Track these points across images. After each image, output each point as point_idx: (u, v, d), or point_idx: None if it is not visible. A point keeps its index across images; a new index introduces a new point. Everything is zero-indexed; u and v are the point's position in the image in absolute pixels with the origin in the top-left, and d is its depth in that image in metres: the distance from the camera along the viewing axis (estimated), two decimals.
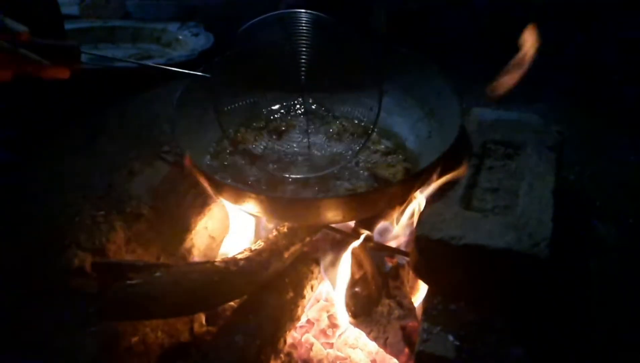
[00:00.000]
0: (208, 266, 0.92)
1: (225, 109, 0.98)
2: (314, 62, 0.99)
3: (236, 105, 1.05)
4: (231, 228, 1.19)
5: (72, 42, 0.81)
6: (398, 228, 1.08)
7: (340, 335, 1.07)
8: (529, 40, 0.97)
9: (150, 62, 0.93)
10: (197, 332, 1.04)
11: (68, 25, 1.71)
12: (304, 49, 0.98)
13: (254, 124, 1.17)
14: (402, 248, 1.06)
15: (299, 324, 1.04)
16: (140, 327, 0.93)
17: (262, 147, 1.08)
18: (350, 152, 1.03)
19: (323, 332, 1.08)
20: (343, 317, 1.04)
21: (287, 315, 0.97)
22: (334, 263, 1.04)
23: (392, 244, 1.08)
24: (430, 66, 1.11)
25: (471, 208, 0.86)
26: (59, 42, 0.79)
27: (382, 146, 1.11)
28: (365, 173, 1.03)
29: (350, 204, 0.88)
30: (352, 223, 1.08)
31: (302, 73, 1.01)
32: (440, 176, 0.93)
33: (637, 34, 1.75)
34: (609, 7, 1.82)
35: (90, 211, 1.01)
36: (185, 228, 1.11)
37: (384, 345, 0.95)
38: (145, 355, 0.93)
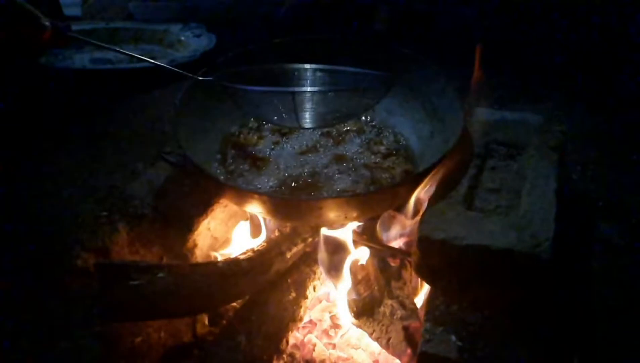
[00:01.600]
0: (211, 267, 0.92)
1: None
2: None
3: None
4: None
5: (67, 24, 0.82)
6: (400, 228, 1.08)
7: (342, 336, 1.08)
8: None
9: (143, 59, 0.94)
10: (200, 333, 1.04)
11: None
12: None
13: (252, 123, 1.17)
14: (405, 249, 1.06)
15: (301, 324, 1.04)
16: (143, 328, 0.93)
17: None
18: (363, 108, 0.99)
19: (325, 333, 1.08)
20: (345, 318, 1.04)
21: (289, 315, 0.97)
22: (336, 264, 1.04)
23: (395, 244, 1.08)
24: (432, 67, 1.11)
25: (473, 208, 0.86)
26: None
27: (383, 147, 1.11)
28: (367, 174, 1.03)
29: (352, 204, 0.88)
30: (354, 224, 1.08)
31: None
32: (442, 177, 0.93)
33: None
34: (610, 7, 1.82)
35: (93, 212, 1.02)
36: (187, 229, 1.12)
37: (387, 345, 0.95)
38: (148, 356, 0.93)
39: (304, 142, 1.10)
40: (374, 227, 1.09)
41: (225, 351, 0.88)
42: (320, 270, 1.05)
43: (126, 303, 0.81)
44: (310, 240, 1.06)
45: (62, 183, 1.10)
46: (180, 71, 0.95)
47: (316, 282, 1.05)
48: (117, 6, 2.24)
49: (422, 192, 0.94)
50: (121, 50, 0.94)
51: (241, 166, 1.08)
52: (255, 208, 0.91)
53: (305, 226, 1.06)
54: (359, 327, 1.01)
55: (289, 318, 0.97)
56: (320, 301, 1.13)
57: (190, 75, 0.96)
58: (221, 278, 0.89)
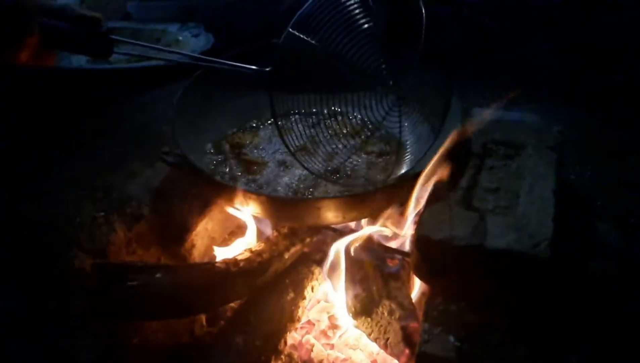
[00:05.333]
0: (208, 267, 0.92)
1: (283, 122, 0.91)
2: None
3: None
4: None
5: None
6: (399, 228, 1.08)
7: (340, 336, 1.07)
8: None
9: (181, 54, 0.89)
10: (198, 333, 1.04)
11: None
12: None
13: (249, 124, 1.17)
14: (403, 249, 1.06)
15: (299, 325, 1.04)
16: (141, 328, 0.93)
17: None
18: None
19: (324, 333, 1.08)
20: (343, 318, 1.04)
21: (287, 316, 0.97)
22: (334, 264, 1.03)
23: (393, 244, 1.08)
24: (430, 67, 1.10)
25: (472, 208, 0.86)
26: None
27: (380, 147, 1.10)
28: (364, 174, 1.03)
29: (350, 204, 0.88)
30: (352, 224, 1.08)
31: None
32: (441, 176, 0.93)
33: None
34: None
35: (90, 212, 1.01)
36: (185, 229, 1.11)
37: (385, 346, 0.95)
38: (145, 357, 0.93)
39: (300, 142, 1.10)
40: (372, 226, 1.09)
41: (223, 352, 0.88)
42: (319, 271, 1.05)
43: (124, 303, 0.80)
44: (308, 240, 1.06)
45: (59, 183, 1.10)
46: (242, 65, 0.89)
47: (314, 283, 1.05)
48: (114, 6, 2.23)
49: (420, 192, 0.94)
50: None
51: (238, 167, 1.08)
52: (253, 208, 0.90)
53: (303, 226, 1.06)
54: (357, 327, 1.01)
55: (287, 319, 0.97)
56: (319, 302, 1.13)
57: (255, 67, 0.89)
58: (219, 278, 0.89)
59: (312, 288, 1.05)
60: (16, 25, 0.62)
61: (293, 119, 1.09)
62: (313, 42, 0.82)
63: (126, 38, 0.85)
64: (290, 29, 0.82)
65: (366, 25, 0.86)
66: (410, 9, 0.88)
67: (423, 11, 0.86)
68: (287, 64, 0.86)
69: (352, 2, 0.85)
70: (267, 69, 0.87)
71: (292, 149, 0.91)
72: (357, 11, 0.85)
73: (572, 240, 0.99)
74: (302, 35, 0.82)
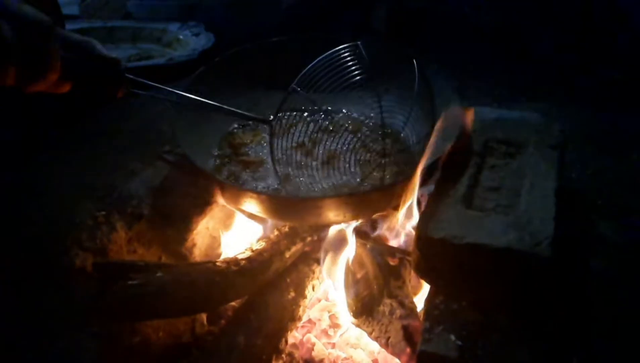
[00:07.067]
0: (209, 266, 0.92)
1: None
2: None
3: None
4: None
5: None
6: (399, 227, 1.08)
7: (341, 335, 1.07)
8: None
9: (182, 91, 0.93)
10: (199, 332, 1.04)
11: (68, 26, 1.70)
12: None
13: (249, 122, 1.17)
14: (404, 247, 1.06)
15: (300, 324, 1.04)
16: (142, 328, 0.93)
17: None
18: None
19: (324, 332, 1.08)
20: (344, 317, 1.04)
21: (288, 314, 0.97)
22: (335, 263, 1.03)
23: (394, 243, 1.08)
24: (430, 65, 1.11)
25: (473, 207, 0.86)
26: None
27: (381, 146, 1.10)
28: (365, 173, 1.03)
29: (352, 203, 0.88)
30: (353, 223, 1.08)
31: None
32: (442, 175, 0.93)
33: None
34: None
35: (91, 212, 1.01)
36: (186, 228, 1.11)
37: (386, 344, 0.95)
38: (146, 356, 0.93)
39: (300, 141, 1.10)
40: (373, 226, 1.09)
41: (224, 351, 0.88)
42: (320, 269, 1.05)
43: (124, 302, 0.80)
44: (309, 239, 1.06)
45: (59, 183, 1.10)
46: (247, 114, 0.96)
47: (315, 281, 1.05)
48: (115, 5, 2.23)
49: (422, 190, 0.94)
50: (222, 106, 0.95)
51: (238, 165, 1.08)
52: (254, 207, 0.90)
53: (304, 225, 1.06)
54: (358, 326, 1.01)
55: (288, 318, 0.97)
56: (319, 301, 1.13)
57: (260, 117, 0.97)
58: (220, 277, 0.89)
59: (313, 287, 1.05)
60: (42, 62, 0.65)
61: (293, 115, 1.09)
62: (308, 95, 0.95)
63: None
64: (294, 85, 0.93)
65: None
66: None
67: (416, 71, 0.99)
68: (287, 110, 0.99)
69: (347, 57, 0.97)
70: (270, 118, 0.95)
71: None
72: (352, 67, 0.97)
73: (573, 239, 0.99)
74: (301, 91, 0.94)
